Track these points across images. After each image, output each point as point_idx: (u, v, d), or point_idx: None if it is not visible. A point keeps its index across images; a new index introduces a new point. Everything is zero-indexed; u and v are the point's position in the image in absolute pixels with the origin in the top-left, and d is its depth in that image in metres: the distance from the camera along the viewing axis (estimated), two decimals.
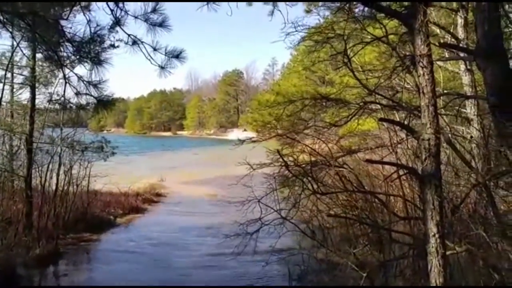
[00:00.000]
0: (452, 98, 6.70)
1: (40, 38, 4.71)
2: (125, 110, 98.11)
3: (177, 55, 4.95)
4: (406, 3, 4.11)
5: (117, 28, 4.56)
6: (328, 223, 7.82)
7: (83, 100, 5.34)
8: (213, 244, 9.66)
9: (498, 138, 4.94)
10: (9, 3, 4.39)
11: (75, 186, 11.87)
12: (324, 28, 5.49)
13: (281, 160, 5.73)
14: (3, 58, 10.25)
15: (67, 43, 4.56)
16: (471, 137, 6.93)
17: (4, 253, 7.93)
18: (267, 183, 6.51)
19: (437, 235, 3.38)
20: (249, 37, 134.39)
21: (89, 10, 4.51)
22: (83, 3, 4.53)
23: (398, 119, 6.28)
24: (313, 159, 5.98)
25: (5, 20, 4.65)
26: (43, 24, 4.51)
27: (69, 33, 4.51)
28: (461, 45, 7.12)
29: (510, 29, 6.79)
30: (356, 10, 4.96)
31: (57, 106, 10.16)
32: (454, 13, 7.72)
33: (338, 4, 5.11)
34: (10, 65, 9.96)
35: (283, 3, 5.59)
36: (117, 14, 4.39)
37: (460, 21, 7.39)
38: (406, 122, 4.88)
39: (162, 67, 4.96)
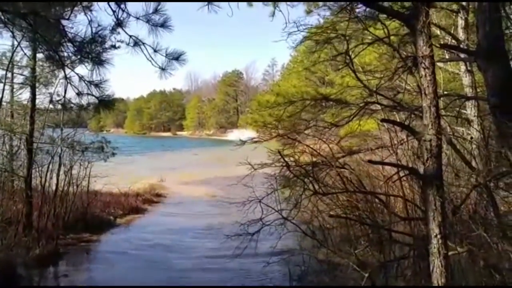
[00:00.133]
0: (453, 99, 6.71)
1: (41, 38, 4.70)
2: (124, 111, 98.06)
3: (177, 57, 4.95)
4: (407, 4, 4.11)
5: (119, 29, 4.55)
6: (328, 224, 7.82)
7: (84, 100, 5.35)
8: (213, 244, 9.66)
9: (498, 139, 4.94)
10: (10, 3, 4.39)
11: (75, 187, 11.88)
12: (326, 28, 5.49)
13: (282, 160, 5.73)
14: (3, 58, 10.24)
15: (68, 43, 4.56)
16: (471, 138, 6.93)
17: (4, 253, 7.92)
18: (267, 184, 6.51)
19: (439, 236, 3.38)
20: (249, 37, 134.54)
21: (91, 10, 4.51)
22: (84, 3, 4.53)
23: (398, 120, 6.28)
24: (314, 159, 5.98)
25: (6, 20, 4.65)
26: (44, 24, 4.50)
27: (71, 33, 4.51)
28: (461, 46, 7.13)
29: (511, 31, 6.79)
30: (358, 10, 4.96)
31: (58, 106, 10.16)
32: (454, 14, 7.73)
33: (340, 3, 5.10)
34: (10, 65, 9.94)
35: (284, 4, 5.62)
36: (119, 15, 4.39)
37: (460, 22, 7.40)
38: (407, 123, 4.89)
39: (162, 69, 4.96)
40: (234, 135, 57.82)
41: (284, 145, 6.53)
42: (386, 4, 4.66)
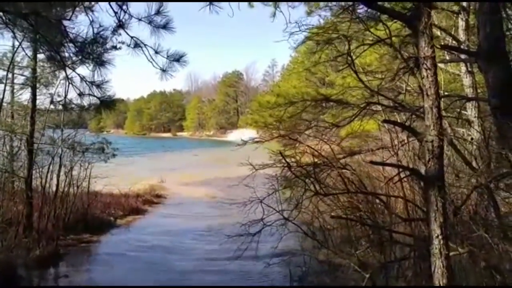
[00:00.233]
0: (454, 100, 6.72)
1: (42, 38, 4.70)
2: (124, 111, 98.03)
3: (178, 59, 4.96)
4: (409, 5, 4.12)
5: (120, 30, 4.55)
6: (329, 225, 7.82)
7: (85, 101, 5.35)
8: (214, 245, 9.63)
9: (499, 140, 4.94)
10: (11, 3, 4.39)
11: (75, 187, 11.86)
12: (327, 28, 5.49)
13: (283, 161, 5.73)
14: (4, 58, 10.24)
15: (69, 44, 4.57)
16: (472, 139, 6.93)
17: (4, 255, 7.91)
18: (268, 184, 6.51)
19: (440, 237, 3.39)
20: (249, 38, 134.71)
21: (92, 11, 4.51)
22: (86, 3, 4.53)
23: (399, 121, 6.29)
24: (315, 160, 5.98)
25: (7, 20, 4.66)
26: (45, 24, 4.51)
27: (72, 33, 4.52)
28: (462, 47, 7.13)
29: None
30: (359, 11, 4.96)
31: (59, 107, 10.17)
32: (455, 15, 7.73)
33: (342, 4, 5.11)
34: (11, 66, 9.95)
35: (284, 4, 5.63)
36: (121, 17, 4.39)
37: (461, 23, 7.40)
38: (408, 124, 4.89)
39: (163, 70, 4.97)
40: (234, 135, 57.90)
41: (285, 146, 6.54)
42: (387, 5, 4.67)
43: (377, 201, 6.51)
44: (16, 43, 8.42)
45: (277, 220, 6.24)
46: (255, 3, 6.35)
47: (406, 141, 6.25)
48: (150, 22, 4.48)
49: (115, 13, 4.34)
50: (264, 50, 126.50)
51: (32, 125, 10.03)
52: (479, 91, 7.31)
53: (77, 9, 4.62)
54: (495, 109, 4.77)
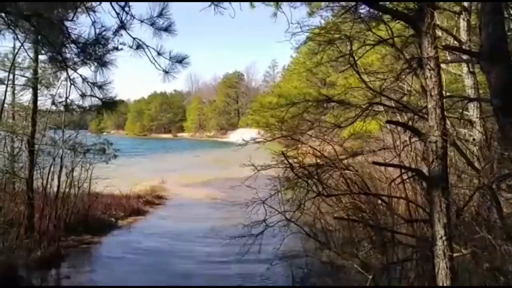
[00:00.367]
0: (456, 101, 6.70)
1: (44, 39, 4.70)
2: (125, 112, 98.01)
3: (181, 60, 4.95)
4: (411, 5, 4.10)
5: (122, 31, 4.54)
6: (330, 226, 7.81)
7: (87, 102, 5.34)
8: (216, 246, 9.61)
9: (501, 141, 4.93)
10: (13, 4, 4.38)
11: (76, 188, 11.84)
12: (329, 29, 5.48)
13: (285, 161, 5.72)
14: (5, 59, 10.25)
15: (71, 44, 4.56)
16: (474, 139, 6.92)
17: (6, 255, 7.91)
18: (270, 185, 6.50)
19: (444, 238, 3.37)
20: (249, 39, 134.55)
21: (94, 12, 4.51)
22: (88, 4, 4.52)
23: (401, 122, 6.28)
24: (317, 161, 5.97)
25: (9, 21, 4.65)
26: (47, 25, 4.50)
27: (74, 34, 4.51)
28: (463, 47, 7.12)
29: None
30: (361, 11, 4.95)
31: (60, 108, 10.17)
32: (456, 15, 7.72)
33: (343, 4, 5.10)
34: (12, 67, 9.95)
35: (286, 5, 5.62)
36: (123, 18, 4.39)
37: (462, 24, 7.39)
38: (410, 124, 4.88)
39: (166, 72, 4.95)
40: (235, 136, 57.83)
41: (287, 147, 6.52)
42: (390, 5, 4.65)
43: (379, 202, 6.49)
44: (18, 44, 8.45)
45: (280, 221, 6.22)
46: (256, 3, 6.32)
47: (408, 142, 6.24)
48: (152, 24, 4.48)
49: (117, 14, 4.34)
50: (265, 51, 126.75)
51: (33, 126, 10.03)
52: (481, 91, 7.29)
53: (79, 10, 4.61)
54: (497, 109, 4.74)
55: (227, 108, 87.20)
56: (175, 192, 19.05)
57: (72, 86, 5.25)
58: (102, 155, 12.03)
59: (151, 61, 4.73)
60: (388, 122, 5.56)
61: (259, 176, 6.49)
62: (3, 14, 4.52)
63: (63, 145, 10.72)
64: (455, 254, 3.90)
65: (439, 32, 7.80)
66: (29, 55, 9.61)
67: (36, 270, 8.35)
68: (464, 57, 6.93)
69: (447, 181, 3.49)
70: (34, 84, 10.20)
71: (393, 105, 5.58)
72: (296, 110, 6.26)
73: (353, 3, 4.74)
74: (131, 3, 4.42)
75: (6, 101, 9.96)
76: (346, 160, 6.25)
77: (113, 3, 4.31)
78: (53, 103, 10.34)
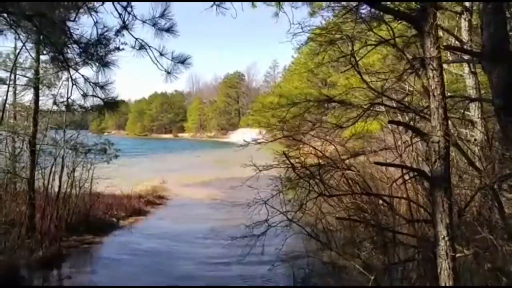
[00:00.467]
0: (457, 101, 6.69)
1: (46, 39, 4.70)
2: (126, 112, 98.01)
3: (183, 61, 4.95)
4: (414, 5, 4.10)
5: (124, 32, 4.55)
6: (332, 226, 7.80)
7: (88, 102, 5.34)
8: (218, 247, 9.61)
9: (502, 141, 4.92)
10: (15, 4, 4.39)
11: (77, 188, 11.84)
12: (330, 29, 5.48)
13: (287, 162, 5.72)
14: (7, 60, 10.26)
15: (73, 45, 4.57)
16: (475, 139, 6.91)
17: (7, 255, 7.92)
18: (272, 185, 6.50)
19: (446, 238, 3.37)
20: (250, 39, 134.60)
21: (96, 12, 4.51)
22: (90, 4, 4.53)
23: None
24: (319, 161, 5.97)
25: (11, 21, 4.66)
26: (49, 25, 4.51)
27: (76, 34, 4.52)
28: (465, 47, 7.12)
29: None
30: (362, 11, 4.95)
31: (61, 108, 10.18)
32: (457, 15, 7.71)
33: (344, 4, 5.10)
34: (14, 67, 9.96)
35: (288, 5, 5.61)
36: (125, 18, 4.39)
37: (464, 24, 7.38)
38: (411, 125, 4.88)
39: (168, 72, 4.96)
40: (236, 136, 57.82)
41: (288, 147, 6.52)
42: (391, 5, 4.65)
43: (381, 202, 6.49)
44: (19, 44, 8.45)
45: (281, 221, 6.22)
46: (257, 3, 6.31)
47: (409, 142, 6.23)
48: (154, 25, 4.48)
49: (120, 14, 4.34)
50: (265, 51, 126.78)
51: (35, 126, 10.05)
52: (482, 91, 7.28)
53: (81, 10, 4.61)
54: (498, 109, 4.74)
55: (228, 108, 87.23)
56: (176, 192, 19.05)
57: (74, 86, 5.27)
58: (103, 155, 12.05)
59: (154, 62, 4.74)
60: (390, 122, 5.56)
61: (261, 176, 6.49)
62: (5, 14, 4.53)
63: (65, 145, 10.72)
64: (457, 255, 3.90)
65: (440, 32, 7.79)
66: (31, 55, 9.64)
67: (37, 270, 8.36)
68: (466, 57, 6.92)
69: (449, 181, 3.48)
70: (35, 84, 10.22)
71: (394, 105, 5.57)
72: (297, 110, 6.25)
73: (354, 3, 4.74)
74: (133, 3, 4.43)
75: (7, 101, 9.96)
76: (347, 161, 6.25)
77: (115, 3, 4.31)
78: (54, 103, 10.36)
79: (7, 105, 10.24)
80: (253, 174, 6.34)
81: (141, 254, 9.85)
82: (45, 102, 10.92)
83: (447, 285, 3.37)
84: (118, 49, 4.97)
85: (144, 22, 4.44)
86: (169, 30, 4.58)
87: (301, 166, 5.72)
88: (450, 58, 7.93)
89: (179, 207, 16.16)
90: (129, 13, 4.37)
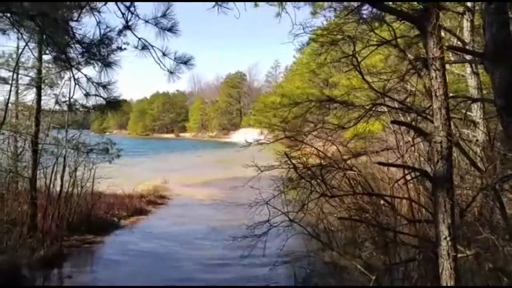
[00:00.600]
0: (459, 101, 6.69)
1: (49, 39, 4.72)
2: (127, 112, 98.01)
3: (186, 61, 4.96)
4: (416, 5, 4.10)
5: (127, 32, 4.56)
6: (333, 226, 7.80)
7: (92, 101, 5.36)
8: (218, 247, 9.62)
9: (504, 141, 4.92)
10: (18, 4, 4.41)
11: (79, 188, 11.86)
12: (332, 29, 5.48)
13: (289, 162, 5.72)
14: (10, 59, 10.29)
15: (76, 44, 4.58)
16: (477, 140, 6.91)
17: (9, 254, 7.94)
18: (273, 186, 6.50)
19: (448, 238, 3.37)
20: (252, 39, 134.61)
21: (99, 12, 4.52)
22: (92, 4, 4.54)
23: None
24: (321, 161, 5.97)
25: (14, 21, 4.68)
26: (52, 25, 4.52)
27: (79, 34, 4.53)
28: (467, 48, 7.11)
29: None
30: (364, 11, 4.95)
31: (64, 107, 10.19)
32: (459, 16, 7.70)
33: (345, 4, 5.10)
34: (16, 67, 9.99)
35: (290, 5, 5.62)
36: (128, 18, 4.40)
37: (466, 24, 7.37)
38: (414, 125, 4.88)
39: (171, 72, 4.96)
40: (238, 137, 57.80)
41: (290, 147, 6.52)
42: (393, 5, 4.64)
43: (382, 202, 6.49)
44: (21, 44, 8.47)
45: (282, 221, 6.22)
46: (260, 3, 6.32)
47: (411, 142, 6.23)
48: (156, 24, 4.48)
49: (123, 14, 4.35)
50: (267, 51, 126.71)
51: (37, 125, 10.07)
52: (484, 92, 7.28)
53: (84, 10, 4.63)
54: (501, 110, 4.74)
55: (229, 108, 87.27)
56: (177, 192, 19.07)
57: (76, 85, 5.27)
58: (105, 155, 12.07)
59: (156, 62, 4.75)
60: (393, 122, 5.57)
61: (262, 177, 6.49)
62: (8, 14, 4.55)
63: (67, 144, 10.74)
64: (458, 255, 3.90)
65: (442, 33, 7.78)
66: (33, 55, 9.67)
67: (39, 269, 8.36)
68: (468, 57, 6.92)
69: (451, 181, 3.48)
70: (38, 83, 10.25)
71: (396, 106, 5.57)
72: (299, 111, 6.26)
73: (356, 4, 4.74)
74: (136, 3, 4.44)
75: (10, 100, 9.98)
76: (349, 161, 6.25)
77: (118, 3, 4.32)
78: (56, 102, 10.38)
79: (9, 105, 10.26)
80: (255, 175, 6.34)
81: (141, 254, 9.85)
82: (47, 102, 10.97)
83: (449, 285, 3.36)
84: (120, 49, 4.99)
85: (147, 21, 4.45)
86: (171, 29, 4.58)
87: (303, 166, 5.72)
88: (452, 59, 7.92)
89: (181, 207, 16.17)
90: (132, 13, 4.38)
